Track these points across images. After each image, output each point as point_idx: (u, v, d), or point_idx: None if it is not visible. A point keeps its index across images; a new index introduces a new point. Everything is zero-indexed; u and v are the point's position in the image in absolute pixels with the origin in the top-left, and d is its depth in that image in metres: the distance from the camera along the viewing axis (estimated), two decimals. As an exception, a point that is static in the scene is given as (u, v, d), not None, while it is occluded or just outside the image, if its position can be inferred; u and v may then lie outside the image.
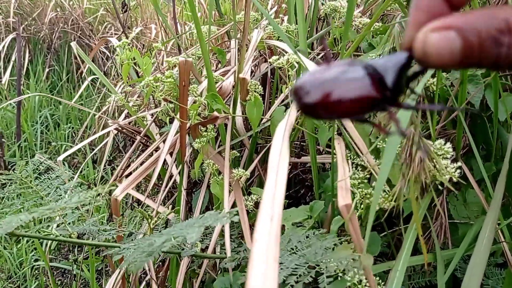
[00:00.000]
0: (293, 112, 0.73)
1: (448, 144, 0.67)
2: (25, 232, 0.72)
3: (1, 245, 2.21)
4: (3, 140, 2.80)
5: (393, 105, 0.27)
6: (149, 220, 0.70)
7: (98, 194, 0.56)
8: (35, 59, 3.59)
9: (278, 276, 0.34)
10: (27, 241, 2.14)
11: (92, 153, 1.48)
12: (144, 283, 1.36)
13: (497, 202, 0.78)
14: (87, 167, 2.48)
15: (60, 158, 1.01)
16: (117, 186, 0.93)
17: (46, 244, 2.12)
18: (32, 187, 0.75)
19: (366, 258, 0.50)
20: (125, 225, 0.86)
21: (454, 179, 0.62)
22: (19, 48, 2.46)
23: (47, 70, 3.45)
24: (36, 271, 2.13)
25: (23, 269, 2.11)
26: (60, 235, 0.68)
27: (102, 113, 2.08)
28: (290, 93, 0.28)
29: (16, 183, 0.75)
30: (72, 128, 3.05)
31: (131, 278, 1.30)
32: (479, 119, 0.96)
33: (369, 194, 0.63)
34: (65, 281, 2.10)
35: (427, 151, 0.60)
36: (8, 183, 0.82)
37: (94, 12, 3.57)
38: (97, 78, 2.89)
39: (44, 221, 0.91)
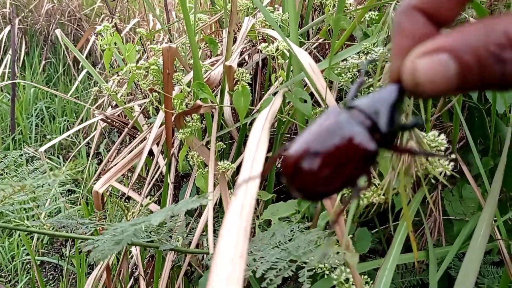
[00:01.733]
0: (277, 100, 0.69)
1: (442, 136, 0.64)
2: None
3: (-7, 239, 2.18)
4: (-3, 132, 2.77)
5: (390, 149, 0.25)
6: (126, 211, 0.66)
7: (55, 177, 0.52)
8: (31, 51, 3.56)
9: (243, 276, 0.31)
10: (19, 235, 2.11)
11: (81, 145, 1.45)
12: (132, 279, 1.33)
13: (494, 198, 0.74)
14: (82, 161, 2.45)
15: (42, 149, 0.97)
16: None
17: (38, 238, 2.09)
18: (6, 178, 0.72)
19: (351, 256, 0.47)
20: (111, 219, 0.82)
21: (448, 172, 0.59)
22: (13, 37, 2.42)
23: (43, 62, 3.42)
24: (28, 265, 2.10)
25: (14, 263, 2.08)
26: (33, 226, 0.65)
27: (97, 106, 2.05)
28: (282, 169, 0.24)
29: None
30: (68, 121, 3.02)
31: (120, 274, 1.27)
32: (477, 111, 0.93)
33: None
34: (56, 275, 2.07)
35: (419, 142, 0.57)
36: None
37: (91, 4, 3.53)
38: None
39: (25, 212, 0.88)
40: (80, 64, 3.33)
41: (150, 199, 0.85)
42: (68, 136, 2.72)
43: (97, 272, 0.92)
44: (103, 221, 0.79)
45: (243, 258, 0.33)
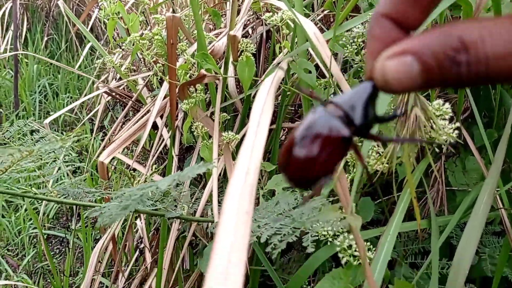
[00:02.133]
0: (283, 67, 0.69)
1: (447, 105, 0.64)
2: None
3: (0, 214, 2.21)
4: (0, 110, 2.78)
5: (367, 138, 0.28)
6: (132, 179, 0.67)
7: (62, 143, 0.53)
8: (33, 28, 3.53)
9: (249, 232, 0.31)
10: (25, 210, 2.14)
11: (85, 119, 1.45)
12: (138, 251, 1.36)
13: (497, 168, 0.74)
14: (86, 136, 2.46)
15: (47, 120, 0.98)
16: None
17: (44, 213, 2.12)
18: (12, 146, 0.73)
19: (354, 219, 0.47)
20: (116, 189, 0.83)
21: (452, 140, 0.59)
22: (15, 13, 2.41)
23: (45, 38, 3.40)
24: (34, 240, 2.13)
25: (21, 237, 2.11)
26: (40, 194, 0.66)
27: (101, 82, 2.04)
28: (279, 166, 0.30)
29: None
30: (71, 97, 3.02)
31: (126, 246, 1.29)
32: (482, 83, 0.92)
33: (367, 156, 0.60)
34: (63, 249, 2.10)
35: (424, 109, 0.57)
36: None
37: (93, -21, 3.48)
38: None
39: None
40: (83, 41, 3.32)
41: (154, 168, 0.86)
42: (72, 113, 2.73)
43: (103, 242, 0.94)
44: (109, 190, 0.80)
45: (248, 214, 0.33)
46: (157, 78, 1.10)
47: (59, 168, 0.75)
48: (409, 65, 0.23)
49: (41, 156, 0.58)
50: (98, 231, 1.87)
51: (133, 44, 0.82)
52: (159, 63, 0.96)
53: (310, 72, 0.83)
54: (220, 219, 0.33)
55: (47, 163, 0.67)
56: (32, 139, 0.79)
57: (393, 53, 0.23)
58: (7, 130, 0.82)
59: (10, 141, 0.79)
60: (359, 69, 0.92)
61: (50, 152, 0.59)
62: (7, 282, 1.64)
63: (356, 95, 0.27)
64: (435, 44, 0.22)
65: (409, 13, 0.25)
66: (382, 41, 0.25)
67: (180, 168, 1.08)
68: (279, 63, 0.80)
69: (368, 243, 0.64)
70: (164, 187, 0.46)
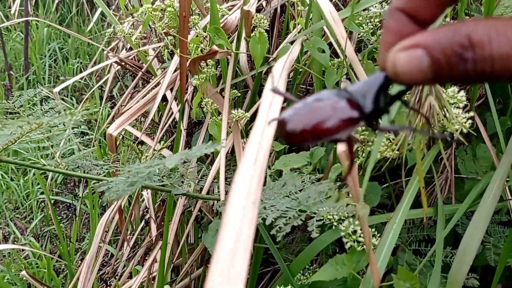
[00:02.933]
0: (296, 48, 0.67)
1: (462, 93, 0.62)
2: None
3: (9, 177, 2.24)
4: (11, 72, 2.77)
5: (371, 126, 0.28)
6: (139, 154, 0.67)
7: (72, 116, 0.52)
8: (44, -10, 3.49)
9: (255, 222, 0.31)
10: (34, 174, 2.17)
11: (94, 88, 1.44)
12: (143, 221, 1.37)
13: (508, 158, 0.73)
14: (95, 103, 2.46)
15: (57, 89, 0.97)
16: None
17: (52, 178, 2.14)
18: (21, 116, 0.72)
19: (362, 208, 0.47)
20: (123, 162, 0.83)
21: (465, 130, 0.58)
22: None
23: (56, 1, 3.36)
24: (42, 204, 2.16)
25: (29, 201, 2.15)
26: (49, 165, 0.66)
27: (111, 49, 2.03)
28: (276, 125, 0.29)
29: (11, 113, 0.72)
30: (81, 63, 3.01)
31: (132, 216, 1.30)
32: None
33: (371, 141, 0.59)
34: (70, 214, 2.14)
35: (439, 97, 0.56)
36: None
37: None
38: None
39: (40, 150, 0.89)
40: (94, 5, 3.28)
41: (162, 144, 0.86)
42: (81, 79, 2.72)
43: (109, 213, 0.95)
44: (117, 164, 0.80)
45: (256, 204, 0.33)
46: (168, 50, 1.09)
47: (69, 140, 0.75)
48: (420, 59, 0.23)
49: (50, 128, 0.57)
50: (99, 197, 1.90)
51: (145, 15, 0.80)
52: (171, 35, 0.95)
53: (323, 51, 0.82)
54: (226, 209, 0.33)
55: (56, 135, 0.67)
56: (41, 109, 0.79)
57: (405, 46, 0.24)
58: (17, 99, 0.82)
59: (20, 110, 0.79)
60: (373, 49, 0.90)
61: (58, 125, 0.59)
62: (14, 246, 1.68)
63: (368, 84, 0.27)
64: (444, 40, 0.23)
65: (424, 8, 0.26)
66: (396, 34, 0.26)
67: (188, 142, 1.08)
68: (293, 42, 0.79)
69: (373, 229, 0.64)
70: (172, 166, 0.46)
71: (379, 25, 0.84)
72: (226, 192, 0.78)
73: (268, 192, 0.67)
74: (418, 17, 0.26)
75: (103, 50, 2.41)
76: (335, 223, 0.60)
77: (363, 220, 0.51)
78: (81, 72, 2.89)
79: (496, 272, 0.72)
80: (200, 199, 0.81)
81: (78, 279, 0.90)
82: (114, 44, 1.93)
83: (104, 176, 0.77)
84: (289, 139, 0.28)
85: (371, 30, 0.87)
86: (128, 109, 0.93)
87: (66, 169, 0.71)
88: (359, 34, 0.92)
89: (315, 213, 0.56)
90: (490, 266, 0.78)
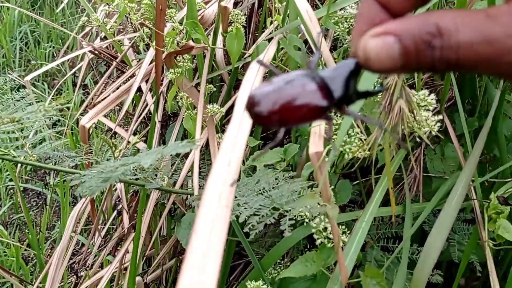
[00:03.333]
0: (272, 47, 0.68)
1: (432, 96, 0.64)
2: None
3: (-24, 163, 2.18)
4: (-21, 54, 2.68)
5: (339, 111, 0.28)
6: (113, 148, 0.67)
7: (45, 112, 0.52)
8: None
9: (227, 223, 0.32)
10: (2, 161, 2.11)
11: (67, 76, 1.41)
12: (115, 211, 1.36)
13: (474, 159, 0.76)
14: (67, 90, 2.41)
15: (28, 77, 0.95)
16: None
17: (22, 165, 2.09)
18: (-10, 106, 0.71)
19: (331, 208, 0.48)
20: (96, 154, 0.83)
21: (433, 133, 0.60)
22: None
23: (28, -17, 3.25)
24: (11, 191, 2.12)
25: (-3, 188, 2.10)
26: (19, 156, 0.65)
27: (84, 35, 1.98)
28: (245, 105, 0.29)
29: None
30: (53, 47, 2.93)
31: (104, 205, 1.29)
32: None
33: (344, 142, 0.60)
34: (40, 202, 2.10)
35: (408, 101, 0.57)
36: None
37: None
38: (81, -4, 2.74)
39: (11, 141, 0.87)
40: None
41: (137, 136, 0.85)
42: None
43: (81, 204, 0.94)
44: (89, 155, 0.79)
45: (228, 208, 0.33)
46: (143, 42, 1.07)
47: (40, 130, 0.74)
48: (390, 46, 0.24)
49: (21, 122, 0.56)
50: (76, 188, 1.87)
51: (121, 6, 0.79)
52: (147, 27, 0.94)
53: (299, 49, 0.82)
54: (199, 211, 0.33)
55: (28, 126, 0.66)
56: (12, 99, 0.77)
57: (376, 33, 0.24)
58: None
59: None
60: (348, 48, 0.91)
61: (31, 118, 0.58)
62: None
63: (339, 70, 0.28)
64: (414, 27, 0.23)
65: (396, 0, 0.26)
66: (368, 23, 0.26)
67: (162, 134, 1.07)
68: (270, 39, 0.79)
69: (343, 226, 0.65)
70: (147, 165, 0.46)
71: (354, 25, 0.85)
72: (200, 186, 0.79)
73: (242, 188, 0.68)
74: (391, 8, 0.26)
75: (76, 34, 2.35)
76: (306, 220, 0.61)
77: (332, 220, 0.53)
78: (53, 56, 2.82)
79: (459, 268, 0.75)
80: (174, 193, 0.81)
81: (48, 269, 0.89)
82: (88, 29, 1.89)
83: (76, 167, 0.76)
84: (257, 120, 0.28)
85: (347, 30, 0.88)
86: (102, 100, 0.92)
87: (37, 161, 0.70)
88: (335, 33, 0.93)
89: (287, 211, 0.57)
90: (454, 262, 0.82)
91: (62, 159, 0.74)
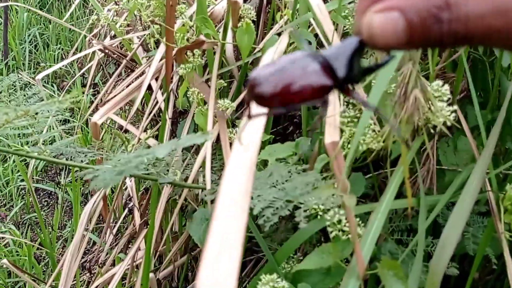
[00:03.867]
0: (283, 41, 0.68)
1: (446, 86, 0.64)
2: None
3: (-13, 164, 2.20)
4: (-11, 57, 2.71)
5: (343, 92, 0.28)
6: (125, 142, 0.67)
7: (60, 104, 0.52)
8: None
9: (247, 211, 0.32)
10: (14, 161, 2.13)
11: (77, 76, 1.42)
12: (126, 209, 1.37)
13: (489, 151, 0.75)
14: (77, 91, 2.42)
15: (39, 76, 0.96)
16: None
17: (34, 166, 2.11)
18: (4, 101, 0.71)
19: (349, 198, 0.48)
20: (107, 150, 0.83)
21: (449, 123, 0.59)
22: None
23: (36, -15, 3.28)
24: (23, 191, 2.13)
25: (9, 187, 2.12)
26: (32, 152, 0.65)
27: (93, 36, 1.99)
28: (246, 85, 0.28)
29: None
30: (62, 49, 2.95)
31: (115, 204, 1.30)
32: (481, 64, 0.92)
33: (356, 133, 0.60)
34: (51, 202, 2.11)
35: (424, 90, 0.57)
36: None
37: None
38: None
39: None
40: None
41: (148, 132, 0.85)
42: (62, 65, 2.67)
43: (93, 201, 0.94)
44: (101, 152, 0.80)
45: (247, 194, 0.33)
46: (153, 39, 1.08)
47: (51, 128, 0.74)
48: (395, 21, 0.23)
49: (35, 115, 0.57)
50: (87, 187, 1.88)
51: (131, 3, 0.80)
52: (157, 24, 0.94)
53: (310, 43, 0.82)
54: (218, 198, 0.33)
55: (41, 122, 0.66)
56: (24, 95, 0.78)
57: (381, 8, 0.24)
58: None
59: (2, 95, 0.77)
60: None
61: (43, 112, 0.58)
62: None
63: (342, 48, 0.27)
64: (419, 1, 0.23)
65: None
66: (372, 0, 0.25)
67: (173, 131, 1.07)
68: (279, 33, 0.79)
69: (358, 219, 0.65)
70: (162, 156, 0.46)
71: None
72: (212, 181, 0.79)
73: (254, 182, 0.68)
74: None
75: (85, 36, 2.37)
76: (320, 213, 0.61)
77: (349, 210, 0.52)
78: (62, 59, 2.84)
79: (474, 261, 0.75)
80: (186, 188, 0.81)
81: (61, 266, 0.90)
82: (97, 30, 1.90)
83: (88, 164, 0.77)
84: (259, 101, 0.27)
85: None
86: (113, 98, 0.92)
87: (51, 156, 0.70)
88: (344, 27, 0.92)
89: (302, 204, 0.57)
90: (468, 255, 0.81)
91: (74, 155, 0.75)
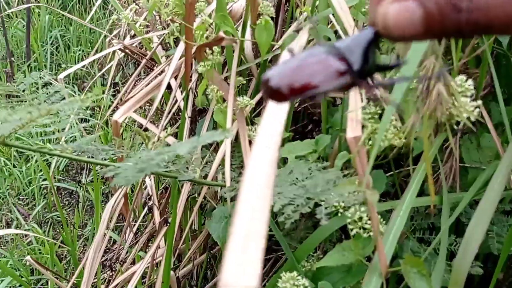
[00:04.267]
0: (303, 37, 0.67)
1: (470, 81, 0.62)
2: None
3: (11, 163, 2.25)
4: (12, 59, 2.76)
5: (360, 85, 0.27)
6: (146, 140, 0.67)
7: (82, 103, 0.53)
8: (45, -23, 3.47)
9: (269, 206, 0.31)
10: (36, 161, 2.17)
11: (99, 74, 1.44)
12: (146, 208, 1.38)
13: (514, 148, 0.73)
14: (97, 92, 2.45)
15: (62, 75, 0.97)
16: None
17: (55, 166, 2.14)
18: (27, 100, 0.73)
19: (371, 194, 0.47)
20: (128, 148, 0.84)
21: (472, 118, 0.58)
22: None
23: (57, -12, 3.34)
24: (44, 191, 2.17)
25: (31, 187, 2.15)
26: (55, 149, 0.66)
27: (114, 37, 2.01)
28: (261, 84, 0.28)
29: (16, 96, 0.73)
30: (83, 51, 3.00)
31: (134, 203, 1.31)
32: (505, 59, 0.90)
33: (377, 129, 0.59)
34: (72, 201, 2.14)
35: (447, 85, 0.56)
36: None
37: None
38: (109, 1, 2.80)
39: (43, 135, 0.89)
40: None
41: (168, 130, 0.86)
42: (83, 66, 2.71)
43: (115, 199, 0.95)
44: (122, 149, 0.80)
45: (269, 188, 0.33)
46: (172, 38, 1.08)
47: (71, 126, 0.75)
48: (411, 11, 0.22)
49: (57, 114, 0.57)
50: (107, 186, 1.90)
51: (150, 1, 0.80)
52: (176, 22, 0.94)
53: (329, 39, 0.82)
54: (241, 193, 0.33)
55: (62, 120, 0.67)
56: (47, 93, 0.79)
57: None
58: (21, 82, 0.82)
59: (25, 94, 0.79)
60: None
61: (67, 110, 0.59)
62: (19, 231, 1.69)
63: (357, 40, 0.26)
64: None
65: None
66: None
67: (192, 130, 1.08)
68: (298, 30, 0.79)
69: (379, 217, 0.64)
70: (184, 153, 0.47)
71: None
72: (231, 179, 0.78)
73: (274, 179, 0.68)
74: None
75: (105, 37, 2.40)
76: (341, 210, 0.60)
77: (371, 206, 0.52)
78: (83, 60, 2.88)
79: (499, 261, 0.73)
80: (206, 185, 0.81)
81: (84, 264, 0.91)
82: (116, 32, 1.92)
83: (108, 162, 0.77)
84: (274, 96, 0.27)
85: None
86: (133, 96, 0.93)
87: (73, 154, 0.71)
88: (364, 23, 0.91)
89: (322, 201, 0.57)
90: (492, 254, 0.79)
91: (96, 153, 0.75)
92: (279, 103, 0.27)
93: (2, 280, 1.55)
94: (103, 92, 1.27)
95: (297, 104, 1.02)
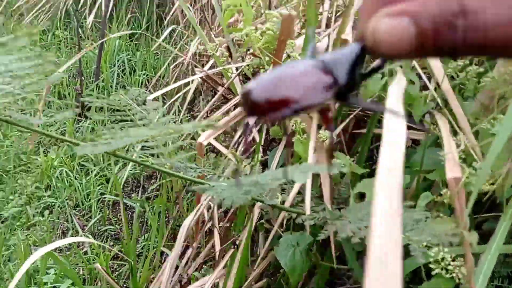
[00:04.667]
0: (403, 80, 0.70)
1: None
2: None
3: (73, 175, 2.36)
4: (82, 78, 2.94)
5: (342, 100, 0.26)
6: (239, 163, 0.71)
7: (196, 128, 0.57)
8: (119, 4, 3.70)
9: (400, 235, 0.34)
10: (96, 175, 2.27)
11: (175, 97, 1.52)
12: (204, 229, 1.41)
13: None
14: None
15: (151, 97, 1.04)
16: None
17: (121, 180, 2.24)
18: (129, 116, 0.79)
19: (471, 235, 0.49)
20: (213, 168, 0.88)
21: None
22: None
23: (129, 16, 3.55)
24: (101, 204, 2.26)
25: (89, 200, 2.25)
26: (152, 163, 0.72)
27: (176, 65, 2.13)
28: (241, 97, 0.27)
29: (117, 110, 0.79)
30: (147, 75, 3.15)
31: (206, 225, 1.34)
32: None
33: (471, 174, 0.61)
34: (127, 216, 2.22)
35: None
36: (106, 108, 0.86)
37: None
38: (174, 30, 2.96)
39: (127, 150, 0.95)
40: (163, 22, 3.45)
41: (255, 160, 0.90)
42: (146, 89, 2.85)
43: (191, 219, 0.99)
44: (207, 168, 0.85)
45: (399, 214, 0.36)
46: (251, 70, 1.14)
47: (167, 144, 0.80)
48: (404, 27, 0.21)
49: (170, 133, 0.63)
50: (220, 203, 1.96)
51: (247, 36, 0.86)
52: (259, 57, 1.00)
53: (413, 83, 0.85)
54: (372, 219, 0.36)
55: (162, 136, 0.72)
56: (146, 111, 0.85)
57: (391, 13, 0.22)
58: (123, 98, 0.89)
59: (126, 109, 0.85)
60: (460, 85, 0.91)
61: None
62: (78, 238, 1.76)
63: (343, 55, 0.25)
64: (433, 7, 0.21)
65: None
66: (378, 2, 0.23)
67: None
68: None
69: (461, 259, 0.64)
70: (301, 182, 0.49)
71: (468, 62, 0.86)
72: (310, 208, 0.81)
73: (357, 213, 0.70)
74: None
75: (168, 65, 2.54)
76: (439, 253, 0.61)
77: (467, 249, 0.53)
78: (147, 84, 3.03)
79: None
80: (287, 211, 0.84)
81: (159, 278, 0.95)
82: (180, 60, 2.03)
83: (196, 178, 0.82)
84: (253, 110, 0.25)
85: (459, 67, 0.89)
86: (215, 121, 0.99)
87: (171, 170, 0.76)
88: (446, 72, 0.94)
89: (411, 240, 0.58)
90: None
91: (184, 169, 0.80)
92: (259, 119, 0.26)
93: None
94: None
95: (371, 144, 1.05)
